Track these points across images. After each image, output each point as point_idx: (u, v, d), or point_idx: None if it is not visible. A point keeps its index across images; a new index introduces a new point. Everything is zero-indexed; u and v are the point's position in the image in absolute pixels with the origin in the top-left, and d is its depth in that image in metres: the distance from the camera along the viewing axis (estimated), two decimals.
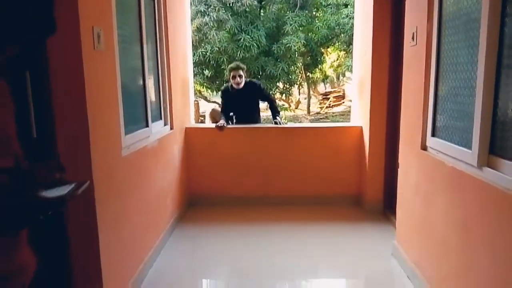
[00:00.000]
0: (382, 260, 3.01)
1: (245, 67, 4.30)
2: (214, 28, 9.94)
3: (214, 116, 4.90)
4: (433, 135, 2.40)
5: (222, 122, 4.13)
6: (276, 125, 4.20)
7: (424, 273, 2.46)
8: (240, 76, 4.14)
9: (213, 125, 4.21)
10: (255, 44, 10.12)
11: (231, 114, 4.39)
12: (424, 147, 2.50)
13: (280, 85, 11.71)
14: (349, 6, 10.49)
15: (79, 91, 1.86)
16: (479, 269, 1.82)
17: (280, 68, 10.38)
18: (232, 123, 4.37)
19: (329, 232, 3.54)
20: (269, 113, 4.75)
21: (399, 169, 2.97)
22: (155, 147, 3.01)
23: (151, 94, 3.03)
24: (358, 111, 4.21)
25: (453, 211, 2.08)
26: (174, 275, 2.84)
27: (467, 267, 1.93)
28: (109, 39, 2.16)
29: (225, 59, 10.29)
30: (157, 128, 3.15)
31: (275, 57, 10.55)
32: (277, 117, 4.28)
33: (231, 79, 4.19)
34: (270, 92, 9.10)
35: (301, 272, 2.89)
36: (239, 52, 10.01)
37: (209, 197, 4.16)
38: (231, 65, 4.29)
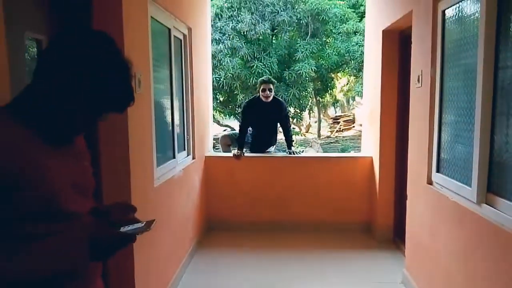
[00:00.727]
0: (392, 287, 3.17)
1: (275, 82, 4.51)
2: (228, 55, 10.31)
3: (224, 143, 5.02)
4: (437, 171, 2.61)
5: (238, 151, 4.34)
6: (290, 155, 4.40)
7: None
8: (270, 90, 4.30)
9: (231, 154, 4.46)
10: (267, 71, 10.40)
11: (249, 129, 4.53)
12: (430, 182, 2.70)
13: (292, 110, 11.99)
14: (358, 34, 10.82)
15: (123, 131, 2.12)
16: None
17: (292, 93, 10.66)
18: (245, 147, 4.51)
19: (340, 259, 3.70)
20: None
21: (407, 201, 3.16)
22: (180, 176, 3.26)
23: (177, 128, 3.30)
24: (369, 142, 4.44)
25: (455, 242, 2.27)
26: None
27: None
28: (146, 82, 2.44)
29: (238, 85, 10.63)
30: (182, 159, 3.42)
31: (286, 83, 10.86)
32: (292, 147, 4.49)
33: (260, 92, 4.34)
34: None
35: None
36: (251, 78, 10.34)
37: (226, 223, 4.37)
38: (263, 78, 4.46)
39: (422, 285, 2.81)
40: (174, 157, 3.15)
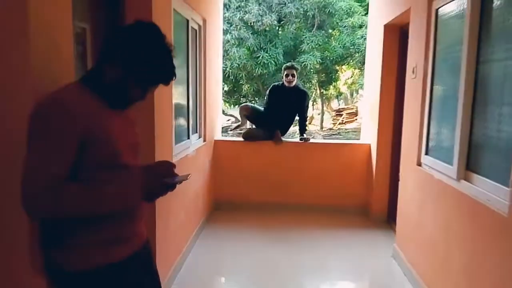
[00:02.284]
0: (383, 260, 3.49)
1: (298, 68, 4.64)
2: (235, 46, 10.51)
3: (245, 109, 5.08)
4: (426, 153, 2.91)
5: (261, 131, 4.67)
6: (301, 141, 4.68)
7: (418, 270, 2.94)
8: (293, 75, 4.50)
9: (238, 139, 4.76)
10: (272, 62, 10.58)
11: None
12: (419, 163, 3.00)
13: None
14: (363, 28, 11.00)
15: (149, 110, 2.42)
16: (455, 262, 2.30)
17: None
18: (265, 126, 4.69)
19: (338, 237, 4.03)
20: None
21: (399, 182, 3.47)
22: (193, 156, 3.57)
23: (191, 111, 3.60)
24: (368, 130, 4.73)
25: (438, 215, 2.57)
26: (203, 269, 3.34)
27: (447, 262, 2.41)
28: None
29: (244, 75, 10.85)
30: (194, 140, 3.72)
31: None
32: (305, 134, 4.74)
33: (284, 77, 4.54)
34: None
35: (313, 269, 3.36)
36: (257, 69, 10.54)
37: (232, 203, 4.69)
38: (286, 64, 4.68)
39: (409, 256, 3.12)
40: (188, 138, 3.46)
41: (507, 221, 1.78)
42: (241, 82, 11.31)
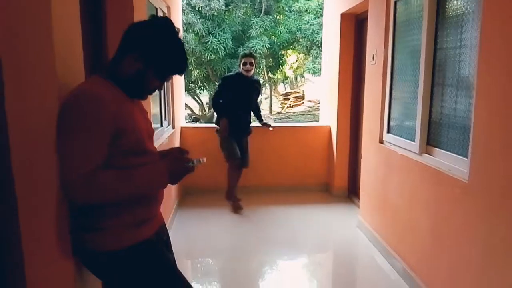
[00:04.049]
0: (349, 230, 3.82)
1: (257, 56, 4.10)
2: (183, 31, 10.36)
3: None
4: (388, 131, 3.22)
5: (222, 126, 4.13)
6: (265, 126, 4.58)
7: (382, 236, 3.28)
8: (251, 64, 4.10)
9: (203, 125, 4.82)
10: (221, 47, 10.56)
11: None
12: (381, 141, 3.32)
13: None
14: (309, 13, 11.32)
15: None
16: (421, 225, 2.64)
17: None
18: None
19: (303, 212, 4.31)
20: None
21: (362, 159, 3.79)
22: (166, 143, 3.60)
23: (162, 98, 3.62)
24: (327, 113, 5.02)
25: (402, 186, 2.90)
26: (180, 250, 3.45)
27: (412, 226, 2.75)
28: None
29: (192, 61, 10.73)
30: (165, 127, 3.74)
31: None
32: (263, 120, 4.65)
33: (241, 66, 4.12)
34: None
35: (283, 243, 3.59)
36: (206, 54, 10.48)
37: (202, 186, 4.77)
38: (244, 51, 4.29)
39: (374, 225, 3.47)
40: (162, 125, 3.48)
41: (467, 186, 2.10)
42: (190, 68, 11.15)
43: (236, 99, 4.19)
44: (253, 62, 4.14)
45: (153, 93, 1.51)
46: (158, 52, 1.36)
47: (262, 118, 4.70)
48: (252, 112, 4.50)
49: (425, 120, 2.64)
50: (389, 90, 3.20)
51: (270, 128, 4.64)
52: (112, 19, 2.25)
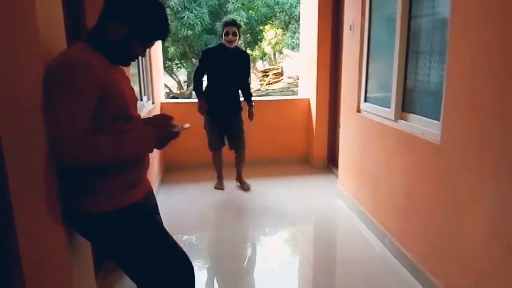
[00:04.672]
0: (328, 198, 3.96)
1: (241, 25, 3.25)
2: None
3: None
4: (365, 101, 3.31)
5: (201, 104, 3.85)
6: (249, 115, 4.02)
7: (361, 202, 3.41)
8: (234, 34, 3.63)
9: (183, 100, 4.80)
10: (198, 22, 10.33)
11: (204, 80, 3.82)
12: (359, 110, 3.41)
13: None
14: None
15: None
16: (397, 189, 2.76)
17: None
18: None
19: (284, 184, 4.41)
20: None
21: (340, 129, 3.89)
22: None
23: (141, 74, 3.58)
24: (305, 86, 5.08)
25: (379, 153, 3.02)
26: (167, 222, 3.50)
27: (389, 191, 2.88)
28: None
29: (169, 37, 10.53)
30: (145, 102, 3.72)
31: (217, 35, 11.02)
32: (253, 106, 4.00)
33: (223, 36, 3.66)
34: None
35: (266, 211, 3.68)
36: (182, 30, 10.25)
37: (182, 162, 4.80)
38: (226, 19, 3.84)
39: (353, 193, 3.60)
40: (141, 100, 3.47)
41: (439, 147, 2.22)
42: (166, 45, 10.91)
43: (218, 74, 3.79)
44: (237, 31, 3.67)
45: (135, 60, 1.52)
46: (142, 18, 1.38)
47: (252, 101, 4.04)
48: (240, 91, 3.99)
49: (400, 87, 2.73)
50: (365, 60, 3.26)
51: (250, 123, 4.09)
52: None
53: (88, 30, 1.48)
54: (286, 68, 17.36)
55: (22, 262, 1.15)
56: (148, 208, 1.57)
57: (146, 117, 1.71)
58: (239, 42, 3.71)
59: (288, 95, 13.76)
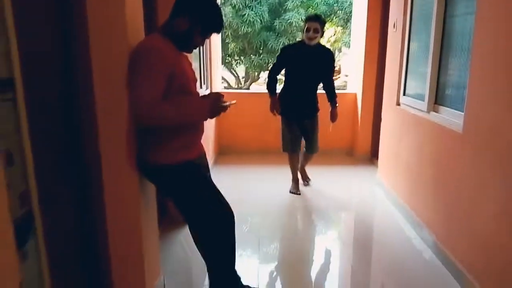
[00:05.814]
0: (368, 187, 4.19)
1: (325, 21, 3.38)
2: (221, 3, 10.60)
3: None
4: (404, 94, 3.52)
5: (274, 104, 3.65)
6: (331, 117, 3.87)
7: (396, 190, 3.62)
8: (315, 30, 3.33)
9: (239, 91, 5.24)
10: (258, 20, 10.64)
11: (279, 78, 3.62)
12: (398, 103, 3.62)
13: None
14: None
15: None
16: (426, 176, 2.97)
17: (281, 42, 11.09)
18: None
19: (329, 172, 4.70)
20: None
21: (382, 122, 4.10)
22: None
23: (202, 64, 4.09)
24: (354, 80, 5.31)
25: (413, 143, 3.22)
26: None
27: (420, 178, 3.08)
28: None
29: (229, 33, 11.01)
30: (203, 90, 4.23)
31: (276, 32, 11.31)
32: (337, 107, 3.76)
33: (304, 32, 3.38)
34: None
35: (311, 198, 3.97)
36: (243, 27, 10.68)
37: (235, 147, 5.27)
38: (309, 15, 3.54)
39: (389, 181, 3.81)
40: (201, 87, 3.97)
41: (461, 136, 2.42)
42: (227, 41, 11.40)
43: (296, 73, 3.54)
44: (319, 28, 3.34)
45: (196, 48, 1.96)
46: (202, 14, 1.81)
47: (336, 102, 3.76)
48: (325, 92, 3.78)
49: (433, 81, 2.93)
50: (406, 55, 3.47)
51: (331, 125, 3.95)
52: None
53: (161, 24, 1.94)
54: (344, 66, 17.26)
55: (105, 196, 1.69)
56: (201, 166, 2.01)
57: (211, 92, 2.15)
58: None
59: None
